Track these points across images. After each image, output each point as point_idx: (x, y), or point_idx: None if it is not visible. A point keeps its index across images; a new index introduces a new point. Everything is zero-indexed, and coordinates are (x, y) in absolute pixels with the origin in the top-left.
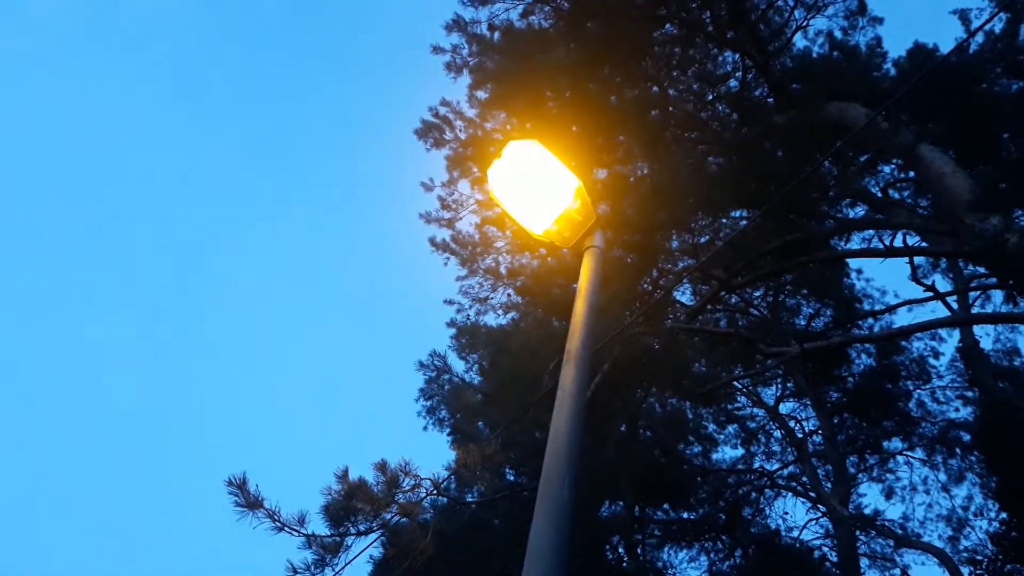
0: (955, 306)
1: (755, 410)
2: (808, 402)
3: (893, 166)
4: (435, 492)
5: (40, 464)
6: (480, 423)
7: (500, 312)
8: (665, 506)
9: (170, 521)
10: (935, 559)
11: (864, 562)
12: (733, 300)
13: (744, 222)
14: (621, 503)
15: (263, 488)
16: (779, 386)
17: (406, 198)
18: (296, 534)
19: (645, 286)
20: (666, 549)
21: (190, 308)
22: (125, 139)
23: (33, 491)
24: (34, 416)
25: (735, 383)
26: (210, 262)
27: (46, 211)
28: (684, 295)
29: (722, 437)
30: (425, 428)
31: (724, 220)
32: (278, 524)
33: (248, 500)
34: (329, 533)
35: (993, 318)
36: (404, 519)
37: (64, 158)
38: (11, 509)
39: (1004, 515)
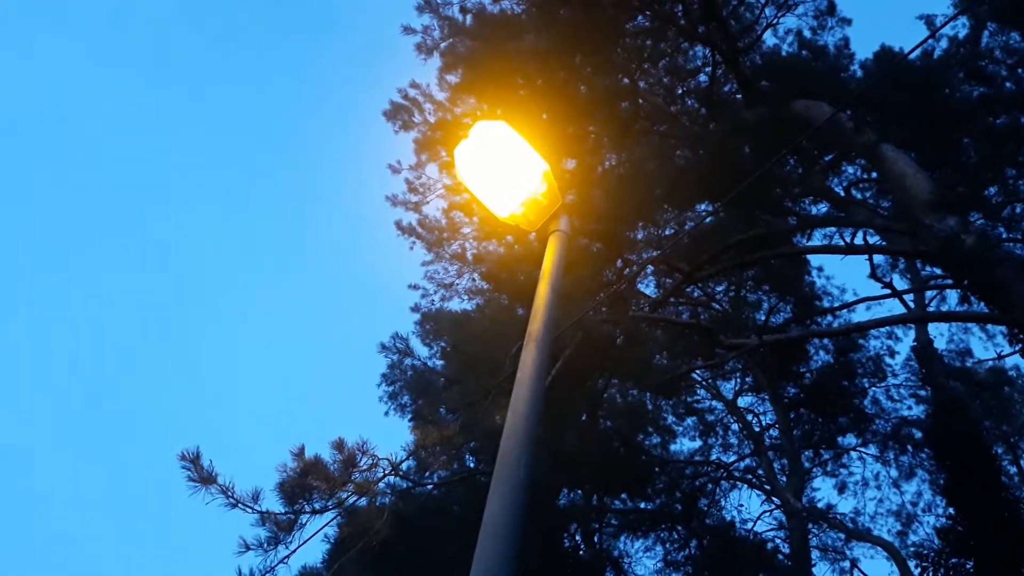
0: (912, 305)
1: (714, 403)
2: (766, 397)
3: (856, 167)
4: (393, 473)
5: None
6: (441, 409)
7: (465, 297)
8: (623, 495)
9: (140, 507)
10: (884, 552)
11: (815, 554)
12: (696, 294)
13: (709, 216)
14: (580, 491)
15: (219, 466)
16: (738, 380)
17: (373, 180)
18: (250, 511)
19: (609, 275)
20: (623, 538)
21: (156, 295)
22: (92, 117)
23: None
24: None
25: (695, 376)
26: (175, 244)
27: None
28: (648, 288)
29: (681, 429)
30: (387, 414)
31: (689, 213)
32: (231, 500)
33: (201, 475)
34: (284, 511)
35: (948, 317)
36: (360, 499)
37: (33, 140)
38: None
39: (951, 511)
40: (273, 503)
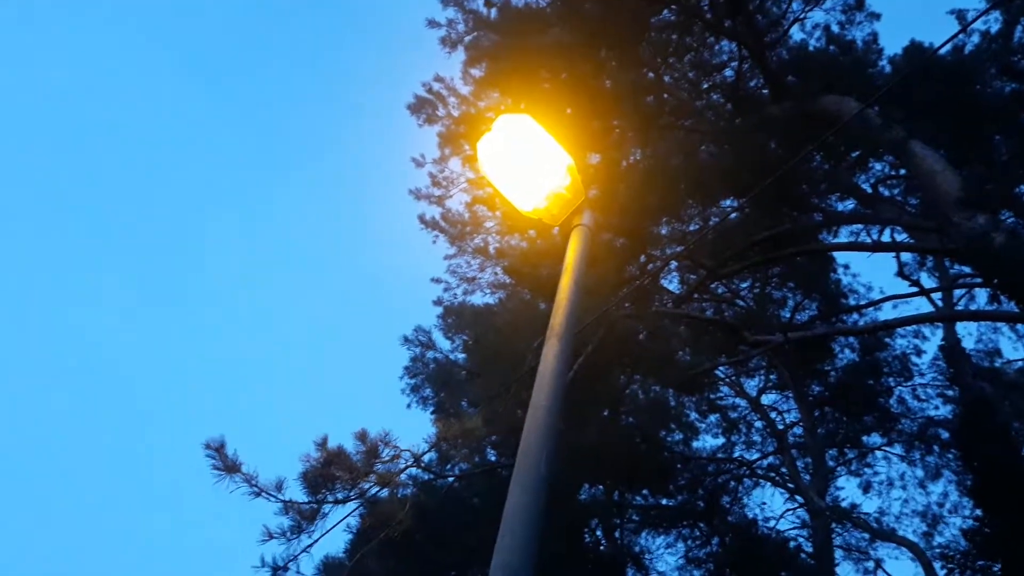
0: (940, 303)
1: (737, 400)
2: (790, 394)
3: (884, 163)
4: (415, 464)
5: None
6: (463, 402)
7: (487, 291)
8: (644, 492)
9: (154, 497)
10: (909, 553)
11: (839, 554)
12: (720, 291)
13: (734, 212)
14: (601, 487)
15: (242, 455)
16: (762, 378)
17: (397, 174)
18: (273, 499)
19: (633, 271)
20: (644, 534)
21: (175, 283)
22: (114, 109)
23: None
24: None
25: (718, 373)
26: (196, 232)
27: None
28: (672, 283)
29: (703, 426)
30: (409, 406)
31: (714, 209)
32: (255, 489)
33: (225, 464)
34: (307, 500)
35: (976, 316)
36: (382, 489)
37: (50, 129)
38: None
39: (978, 512)
40: (296, 493)
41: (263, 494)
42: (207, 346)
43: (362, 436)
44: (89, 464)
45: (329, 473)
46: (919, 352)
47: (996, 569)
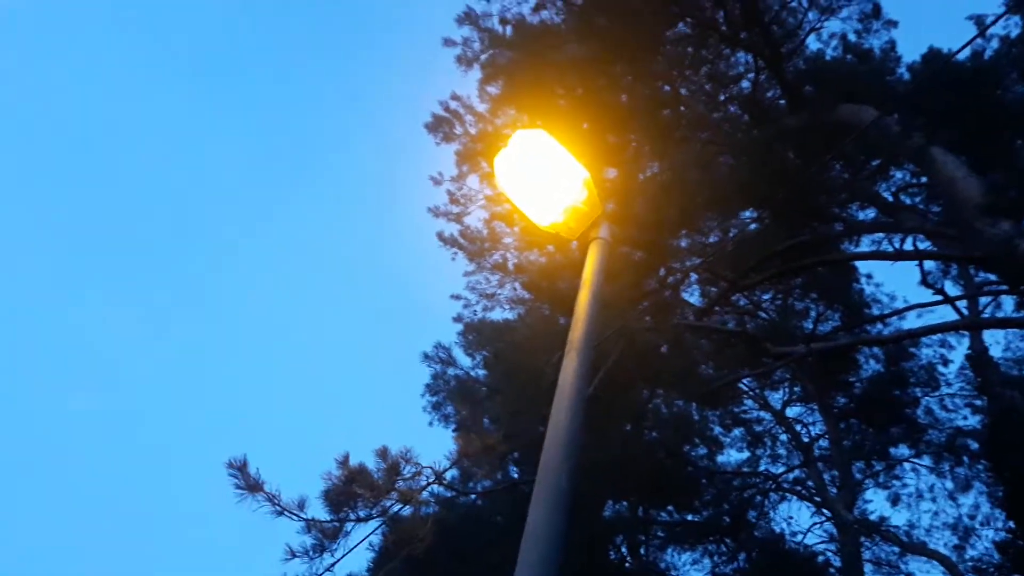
0: (965, 311)
1: (762, 413)
2: (815, 407)
3: (905, 171)
4: (436, 481)
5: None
6: (485, 419)
7: (507, 307)
8: (669, 507)
9: (169, 512)
10: (941, 567)
11: (868, 568)
12: (741, 303)
13: (754, 223)
14: (625, 503)
15: (264, 473)
16: (786, 390)
17: (415, 192)
18: (295, 518)
19: (652, 284)
20: (669, 551)
21: (194, 297)
22: (129, 118)
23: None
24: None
25: (742, 386)
26: (215, 250)
27: (49, 192)
28: (692, 296)
29: (728, 440)
30: (431, 424)
31: (733, 221)
32: (278, 508)
33: (248, 483)
34: (329, 519)
35: (1003, 323)
36: (404, 506)
37: (66, 137)
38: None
39: (1011, 524)
40: (318, 511)
41: (285, 513)
42: (225, 365)
43: (383, 453)
44: (100, 469)
45: (351, 491)
46: (945, 361)
47: None
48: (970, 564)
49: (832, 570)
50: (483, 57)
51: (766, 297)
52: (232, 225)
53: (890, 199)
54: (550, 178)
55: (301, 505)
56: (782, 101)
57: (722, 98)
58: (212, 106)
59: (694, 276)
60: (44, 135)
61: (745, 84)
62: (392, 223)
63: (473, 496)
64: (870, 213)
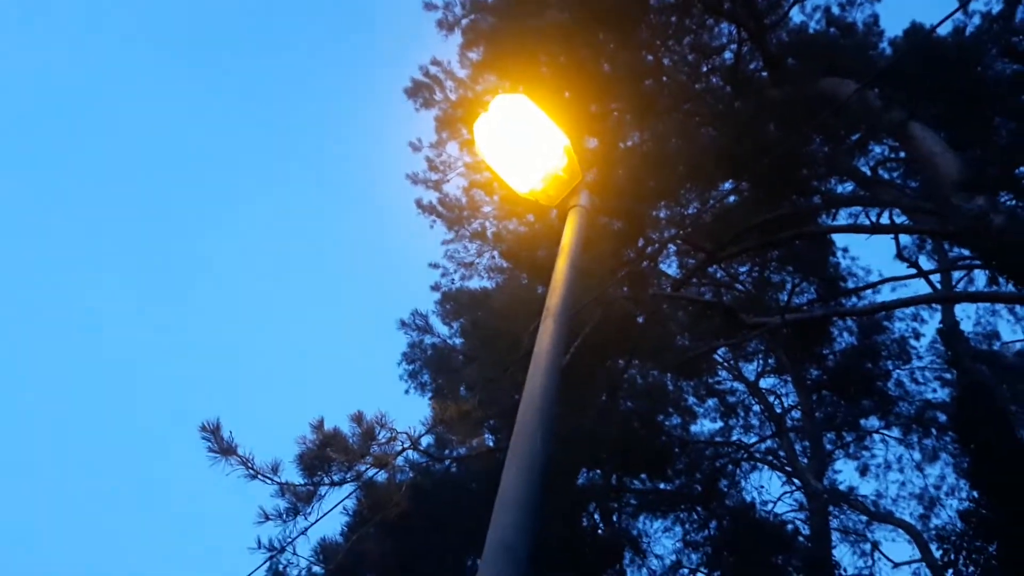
0: (938, 286)
1: (736, 384)
2: (788, 379)
3: (884, 146)
4: (412, 447)
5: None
6: (461, 387)
7: (485, 276)
8: (642, 476)
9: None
10: (906, 535)
11: (836, 536)
12: (719, 275)
13: (733, 195)
14: (599, 471)
15: (239, 439)
16: (760, 362)
17: (394, 158)
18: (269, 482)
19: (630, 254)
20: (641, 518)
21: (171, 267)
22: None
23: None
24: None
25: (716, 357)
26: (192, 218)
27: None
28: (670, 268)
29: (702, 410)
30: (407, 392)
31: (713, 192)
32: (251, 471)
33: (221, 446)
34: (303, 482)
35: (975, 297)
36: (379, 471)
37: (48, 116)
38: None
39: (975, 494)
40: (293, 475)
41: (259, 476)
42: (203, 332)
43: (358, 418)
44: (88, 453)
45: (325, 455)
46: (917, 335)
47: (992, 550)
48: (934, 532)
49: (801, 538)
50: (464, 22)
51: (743, 270)
52: (213, 197)
53: (868, 174)
54: (530, 144)
55: (275, 469)
56: (764, 73)
57: (705, 69)
58: (196, 81)
59: (672, 247)
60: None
61: (728, 55)
62: (373, 193)
63: (448, 463)
64: (848, 187)
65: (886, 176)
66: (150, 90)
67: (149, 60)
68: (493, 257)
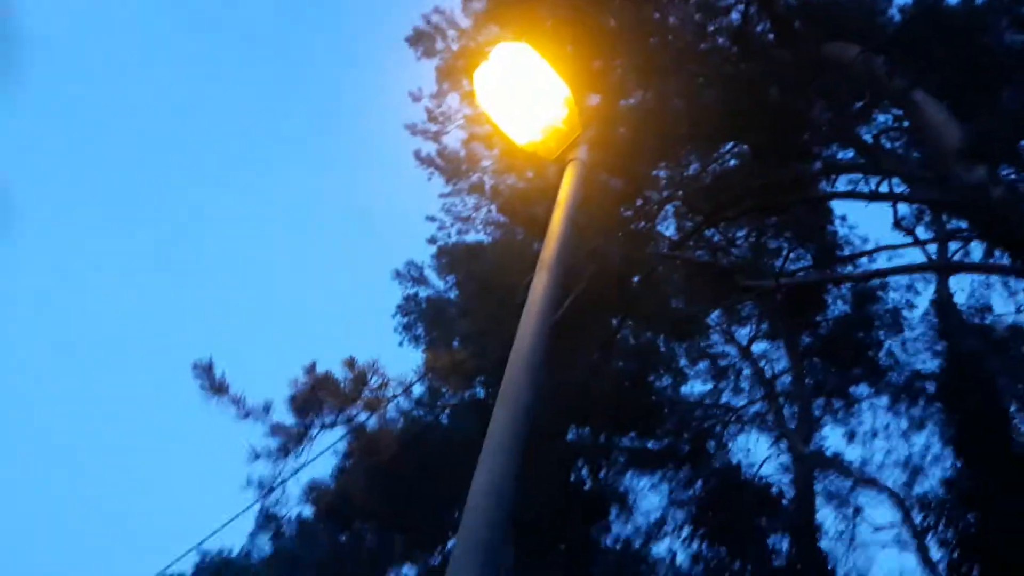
0: (935, 257)
1: (727, 348)
2: (781, 344)
3: (888, 115)
4: (403, 393)
5: None
6: (455, 340)
7: (481, 230)
8: (631, 434)
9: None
10: (889, 500)
11: (820, 500)
12: (716, 238)
13: (733, 159)
14: (588, 428)
15: (231, 381)
16: (754, 326)
17: (394, 110)
18: (260, 422)
19: (627, 213)
20: (629, 475)
21: (170, 212)
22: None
23: None
24: None
25: (710, 321)
26: (194, 169)
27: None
28: (668, 229)
29: (692, 372)
30: (401, 344)
31: (713, 154)
32: (243, 411)
33: (213, 384)
34: (294, 423)
35: (969, 267)
36: (370, 415)
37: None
38: None
39: (959, 463)
40: (284, 417)
41: (250, 416)
42: (202, 283)
43: (350, 363)
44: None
45: (317, 397)
46: (911, 306)
47: (971, 518)
48: (916, 499)
49: (785, 501)
50: None
51: (740, 234)
52: (207, 148)
53: (870, 142)
54: (531, 95)
55: (267, 408)
56: (771, 36)
57: (711, 29)
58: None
59: (670, 208)
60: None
61: (735, 16)
62: (372, 144)
63: (439, 414)
64: (849, 154)
65: (888, 146)
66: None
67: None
68: (490, 211)
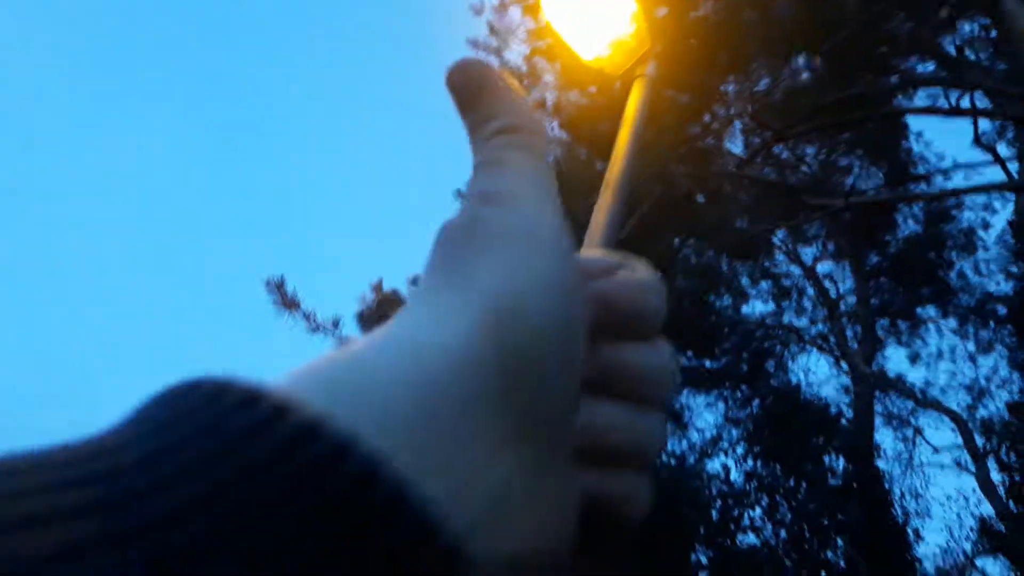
0: (1015, 175)
1: (791, 268)
2: (846, 264)
3: (974, 24)
4: None
5: None
6: None
7: None
8: (689, 353)
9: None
10: (951, 423)
11: (879, 420)
12: (784, 156)
13: (806, 72)
14: None
15: (301, 296)
16: (819, 247)
17: (456, 23)
18: (330, 336)
19: (695, 129)
20: (685, 393)
21: (229, 134)
22: None
23: None
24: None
25: (774, 240)
26: (256, 91)
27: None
28: (735, 146)
29: (754, 292)
30: None
31: (785, 68)
32: (313, 325)
33: (285, 300)
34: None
35: None
36: None
37: None
38: None
39: None
40: (352, 331)
41: (320, 329)
42: (266, 191)
43: (416, 281)
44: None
45: (384, 313)
46: (986, 226)
47: None
48: (979, 422)
49: (843, 421)
50: None
51: (810, 151)
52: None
53: (953, 53)
54: (597, 6)
55: (335, 323)
56: None
57: None
58: None
59: (739, 124)
60: None
61: None
62: (435, 58)
63: None
64: (930, 67)
65: (972, 57)
66: None
67: None
68: (552, 129)
